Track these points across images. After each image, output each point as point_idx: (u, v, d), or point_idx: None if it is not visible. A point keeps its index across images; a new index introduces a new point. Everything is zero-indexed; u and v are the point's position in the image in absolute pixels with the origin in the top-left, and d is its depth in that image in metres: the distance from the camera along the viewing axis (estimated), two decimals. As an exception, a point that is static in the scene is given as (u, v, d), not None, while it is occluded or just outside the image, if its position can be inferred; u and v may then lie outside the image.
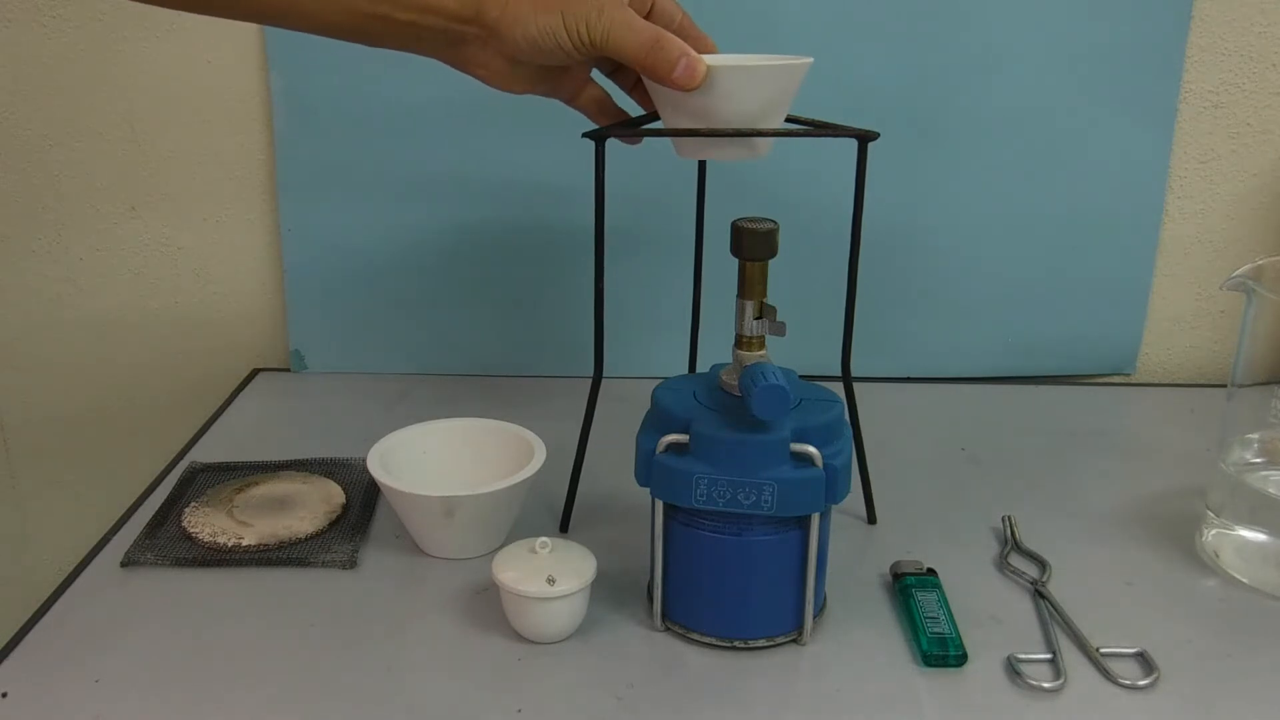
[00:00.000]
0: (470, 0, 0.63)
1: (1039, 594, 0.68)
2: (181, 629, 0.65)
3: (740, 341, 0.64)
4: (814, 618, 0.64)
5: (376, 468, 0.71)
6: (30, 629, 0.65)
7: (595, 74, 0.71)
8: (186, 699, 0.59)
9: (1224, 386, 0.74)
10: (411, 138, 0.96)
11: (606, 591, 0.67)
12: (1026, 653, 0.63)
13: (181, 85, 0.98)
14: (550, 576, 0.62)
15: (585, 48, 0.63)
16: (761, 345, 0.63)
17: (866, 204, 0.69)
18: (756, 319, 0.63)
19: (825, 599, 0.67)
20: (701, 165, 0.82)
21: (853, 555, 0.73)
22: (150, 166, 1.00)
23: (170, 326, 1.05)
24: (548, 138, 0.95)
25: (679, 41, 0.62)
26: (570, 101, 0.71)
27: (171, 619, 0.66)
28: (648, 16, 0.67)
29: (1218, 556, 0.73)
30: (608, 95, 0.71)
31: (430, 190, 0.98)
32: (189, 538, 0.73)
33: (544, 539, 0.64)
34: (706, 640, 0.64)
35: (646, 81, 0.67)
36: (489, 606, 0.66)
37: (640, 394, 0.67)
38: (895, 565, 0.70)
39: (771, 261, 0.62)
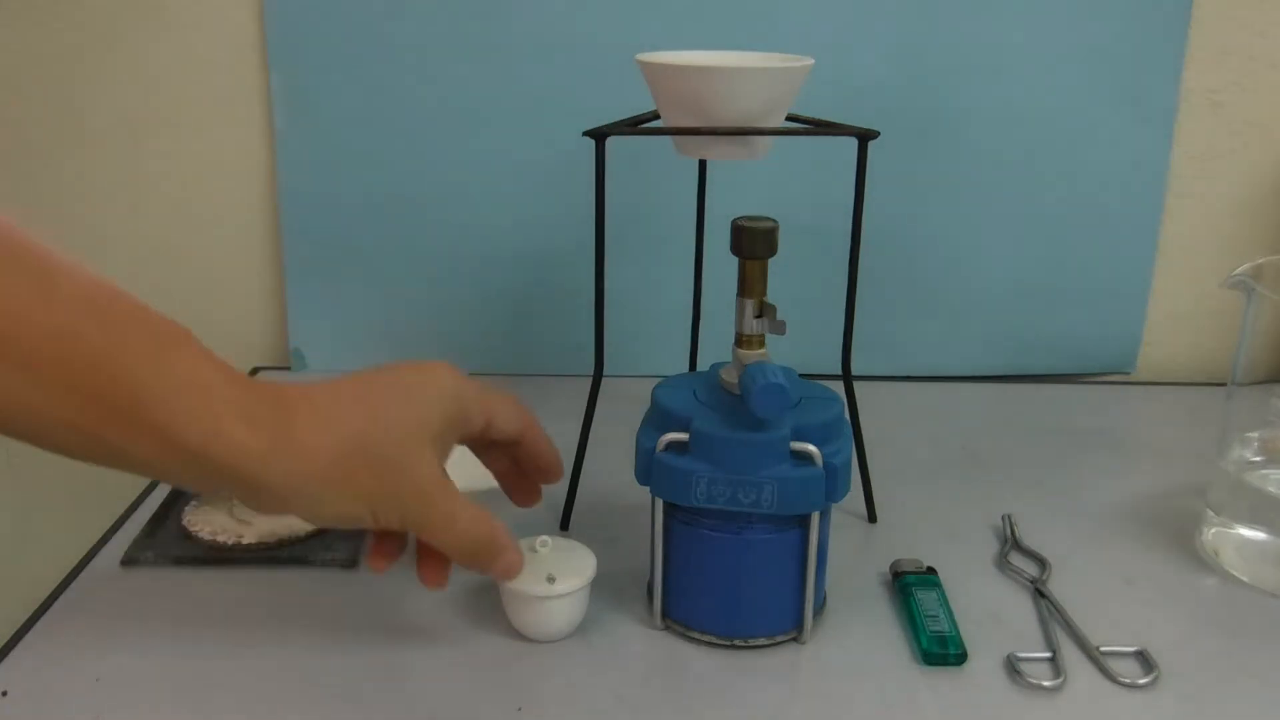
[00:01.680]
0: (243, 462, 0.51)
1: (1039, 592, 0.68)
2: (182, 627, 0.65)
3: (740, 340, 0.63)
4: (814, 616, 0.64)
5: (376, 467, 0.71)
6: (30, 628, 0.65)
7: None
8: (186, 698, 0.59)
9: (1224, 385, 0.74)
10: (412, 137, 0.96)
11: (607, 590, 0.67)
12: (1026, 651, 0.63)
13: (181, 85, 0.98)
14: (550, 575, 0.62)
15: (395, 530, 0.58)
16: (761, 344, 0.63)
17: (866, 203, 0.69)
18: (756, 317, 0.63)
19: (825, 597, 0.67)
20: (701, 164, 0.82)
21: (853, 554, 0.73)
22: (150, 166, 1.00)
23: (170, 326, 1.05)
24: (548, 136, 0.95)
25: (501, 537, 0.59)
26: None
27: (172, 618, 0.66)
28: (490, 431, 0.62)
29: (1217, 555, 0.73)
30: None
31: (430, 189, 0.98)
32: (189, 536, 0.73)
33: (544, 537, 0.64)
34: (706, 639, 0.64)
35: (647, 79, 0.67)
36: (489, 605, 0.66)
37: (640, 393, 0.67)
38: (895, 564, 0.70)
39: (771, 260, 0.62)
